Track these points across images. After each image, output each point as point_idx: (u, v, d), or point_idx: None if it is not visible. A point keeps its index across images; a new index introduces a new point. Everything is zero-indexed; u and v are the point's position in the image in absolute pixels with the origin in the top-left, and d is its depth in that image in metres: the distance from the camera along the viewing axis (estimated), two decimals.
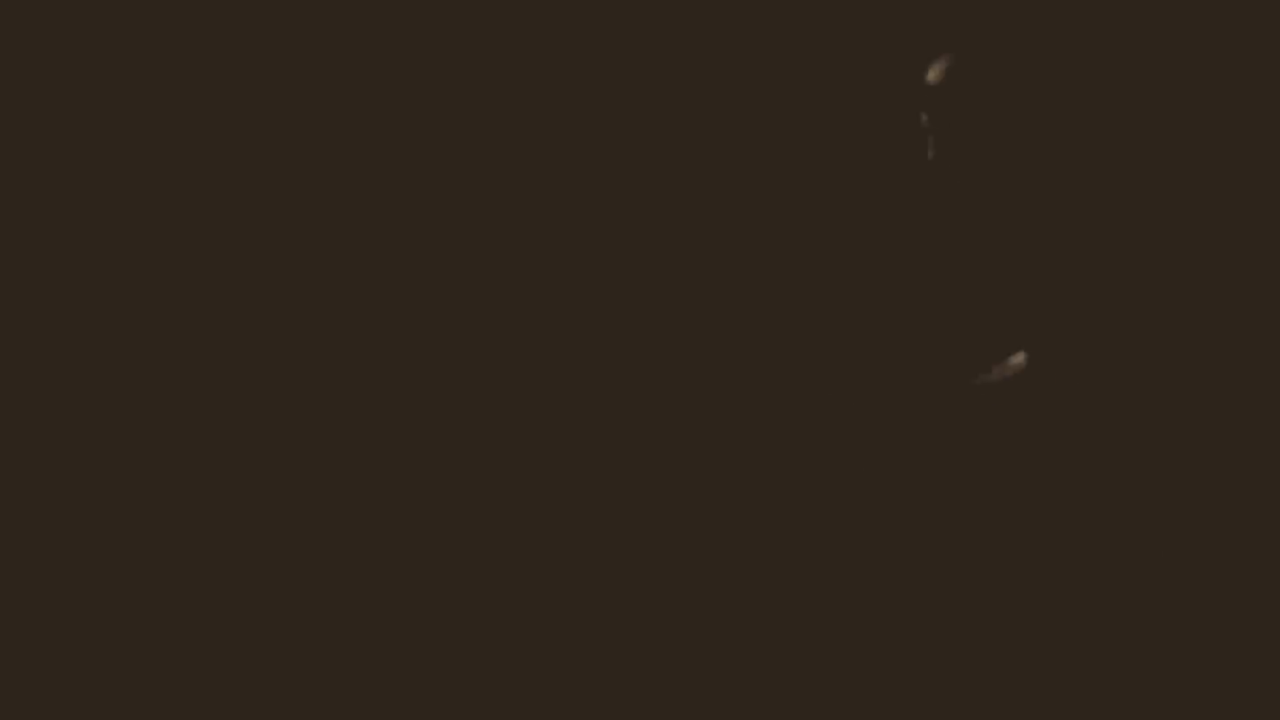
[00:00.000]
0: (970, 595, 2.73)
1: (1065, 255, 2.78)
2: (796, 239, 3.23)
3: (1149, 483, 2.74)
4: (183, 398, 3.27)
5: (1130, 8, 3.14)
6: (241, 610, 3.17)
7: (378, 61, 3.39)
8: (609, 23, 3.38)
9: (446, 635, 3.14)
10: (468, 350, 3.31)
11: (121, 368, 3.28)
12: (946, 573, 2.75)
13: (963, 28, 3.02)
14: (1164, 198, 3.00)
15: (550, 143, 3.38)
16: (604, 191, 3.35)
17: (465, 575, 3.18)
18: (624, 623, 3.07)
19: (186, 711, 3.11)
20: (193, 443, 3.26)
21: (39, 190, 3.33)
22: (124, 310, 3.30)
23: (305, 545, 3.21)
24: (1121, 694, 2.68)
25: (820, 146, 3.29)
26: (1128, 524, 2.74)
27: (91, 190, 3.34)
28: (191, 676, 3.13)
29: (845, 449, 2.86)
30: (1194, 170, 3.07)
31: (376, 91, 3.39)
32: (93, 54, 3.35)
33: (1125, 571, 2.72)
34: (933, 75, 2.83)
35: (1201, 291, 2.87)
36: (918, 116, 2.88)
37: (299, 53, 3.38)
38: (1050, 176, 2.83)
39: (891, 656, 2.77)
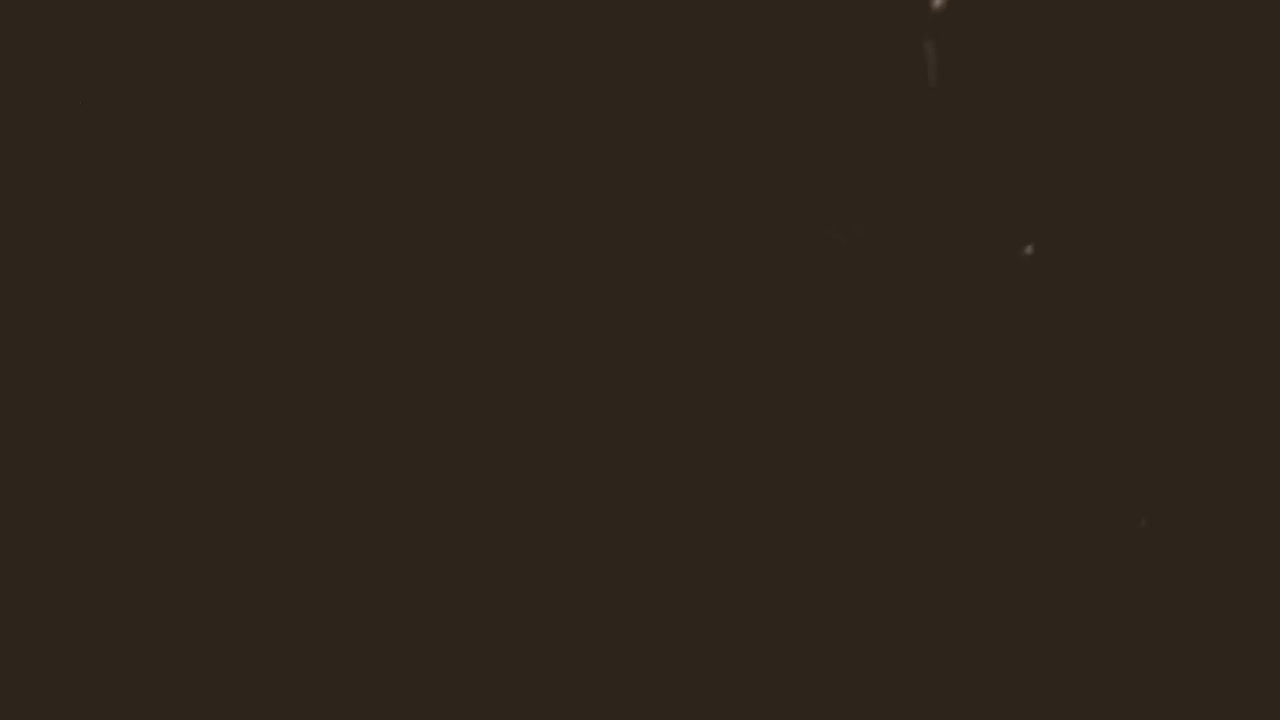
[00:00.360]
0: (969, 594, 2.73)
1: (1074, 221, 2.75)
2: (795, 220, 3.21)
3: (1148, 481, 2.73)
4: (182, 398, 3.28)
5: None
6: (241, 610, 3.17)
7: (378, 61, 3.39)
8: (609, 23, 3.38)
9: (446, 635, 3.14)
10: (468, 350, 3.31)
11: (121, 368, 3.28)
12: (946, 572, 2.74)
13: None
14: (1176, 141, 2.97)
15: (550, 143, 3.38)
16: (604, 191, 3.34)
17: (465, 575, 3.18)
18: (624, 623, 3.07)
19: (186, 712, 3.11)
20: (192, 443, 3.26)
21: (39, 190, 3.34)
22: (124, 310, 3.31)
23: (305, 545, 3.21)
24: (1121, 694, 2.67)
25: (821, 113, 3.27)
26: (1128, 522, 2.73)
27: (91, 190, 3.34)
28: (191, 676, 3.14)
29: (843, 445, 2.85)
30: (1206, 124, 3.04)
31: (376, 92, 3.39)
32: (93, 54, 3.36)
33: (1124, 570, 2.71)
34: (938, 2, 2.75)
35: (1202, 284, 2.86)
36: (921, 44, 2.81)
37: (299, 53, 3.38)
38: (1059, 132, 2.78)
39: (891, 656, 2.77)
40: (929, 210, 2.77)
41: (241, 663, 3.14)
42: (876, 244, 2.78)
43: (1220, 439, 2.77)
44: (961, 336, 2.73)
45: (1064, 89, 2.76)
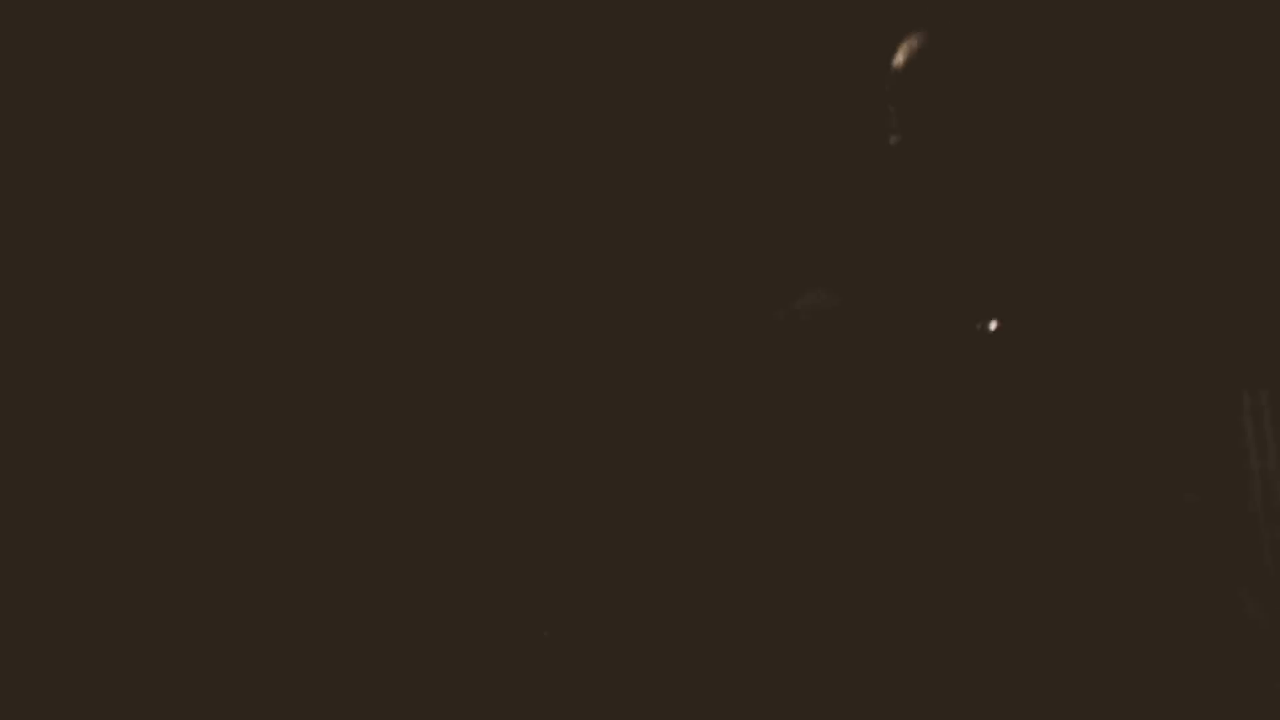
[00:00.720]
0: (968, 595, 2.74)
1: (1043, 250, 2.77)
2: (790, 234, 3.22)
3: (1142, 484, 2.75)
4: (182, 398, 3.28)
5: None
6: (241, 610, 3.18)
7: (378, 61, 3.40)
8: (609, 23, 3.39)
9: (446, 635, 3.15)
10: (468, 350, 3.32)
11: (121, 368, 3.29)
12: (945, 573, 2.75)
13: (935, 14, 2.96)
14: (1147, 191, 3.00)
15: (550, 143, 3.39)
16: (600, 192, 3.35)
17: (465, 575, 3.19)
18: (624, 623, 3.08)
19: (186, 712, 3.12)
20: (192, 443, 3.26)
21: (39, 190, 3.34)
22: (124, 310, 3.31)
23: (305, 545, 3.22)
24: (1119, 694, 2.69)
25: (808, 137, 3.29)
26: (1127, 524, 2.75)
27: (91, 190, 3.34)
28: (191, 676, 3.14)
29: (840, 449, 2.86)
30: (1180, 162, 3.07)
31: (376, 92, 3.40)
32: (93, 54, 3.36)
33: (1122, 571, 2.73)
34: (900, 59, 2.75)
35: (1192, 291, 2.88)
36: (884, 106, 2.81)
37: (299, 53, 3.39)
38: (1025, 172, 2.79)
39: (891, 657, 2.78)
40: (895, 274, 2.78)
41: (241, 662, 3.15)
42: (844, 311, 2.79)
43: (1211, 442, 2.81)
44: (933, 402, 2.74)
45: (1029, 147, 2.77)
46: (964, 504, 2.69)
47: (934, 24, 2.77)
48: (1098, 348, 2.73)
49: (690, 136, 3.34)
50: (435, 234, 3.36)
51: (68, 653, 3.15)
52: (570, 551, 3.17)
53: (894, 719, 2.71)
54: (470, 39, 3.40)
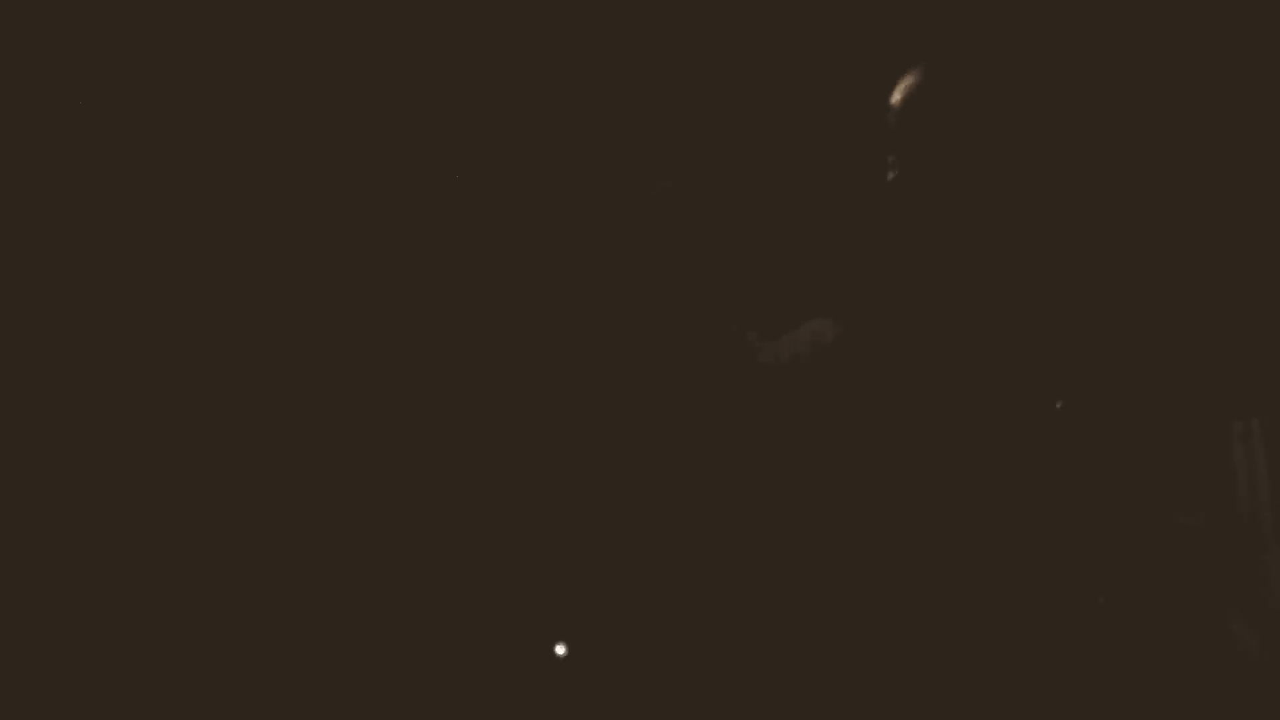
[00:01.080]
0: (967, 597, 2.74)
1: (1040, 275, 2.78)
2: (786, 244, 3.23)
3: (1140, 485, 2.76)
4: (182, 398, 3.28)
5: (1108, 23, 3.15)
6: (241, 610, 3.18)
7: (378, 61, 3.40)
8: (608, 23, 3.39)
9: (446, 636, 3.15)
10: (468, 350, 3.32)
11: (122, 368, 3.29)
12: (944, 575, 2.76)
13: (931, 46, 2.98)
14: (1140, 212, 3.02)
15: (550, 143, 3.39)
16: (594, 194, 3.35)
17: (465, 576, 3.19)
18: (623, 624, 3.08)
19: (186, 712, 3.12)
20: (192, 443, 3.26)
21: (39, 190, 3.34)
22: (124, 310, 3.31)
23: (305, 545, 3.22)
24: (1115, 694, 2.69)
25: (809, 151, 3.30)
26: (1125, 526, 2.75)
27: (92, 190, 3.34)
28: (191, 677, 3.14)
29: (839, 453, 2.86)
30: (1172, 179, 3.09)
31: (376, 92, 3.40)
32: (93, 54, 3.36)
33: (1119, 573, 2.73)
34: (897, 97, 2.78)
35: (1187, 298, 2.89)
36: (883, 141, 2.83)
37: (299, 52, 3.39)
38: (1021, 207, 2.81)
39: (891, 657, 2.78)
40: (894, 304, 2.79)
41: (241, 663, 3.15)
42: (842, 342, 2.80)
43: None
44: (930, 428, 2.74)
45: (1027, 180, 2.79)
46: (961, 526, 2.70)
47: (931, 61, 2.80)
48: (1093, 374, 2.75)
49: (691, 167, 3.35)
50: (430, 239, 3.36)
51: (68, 653, 3.15)
52: (567, 570, 3.18)
53: None
54: (470, 41, 3.40)
